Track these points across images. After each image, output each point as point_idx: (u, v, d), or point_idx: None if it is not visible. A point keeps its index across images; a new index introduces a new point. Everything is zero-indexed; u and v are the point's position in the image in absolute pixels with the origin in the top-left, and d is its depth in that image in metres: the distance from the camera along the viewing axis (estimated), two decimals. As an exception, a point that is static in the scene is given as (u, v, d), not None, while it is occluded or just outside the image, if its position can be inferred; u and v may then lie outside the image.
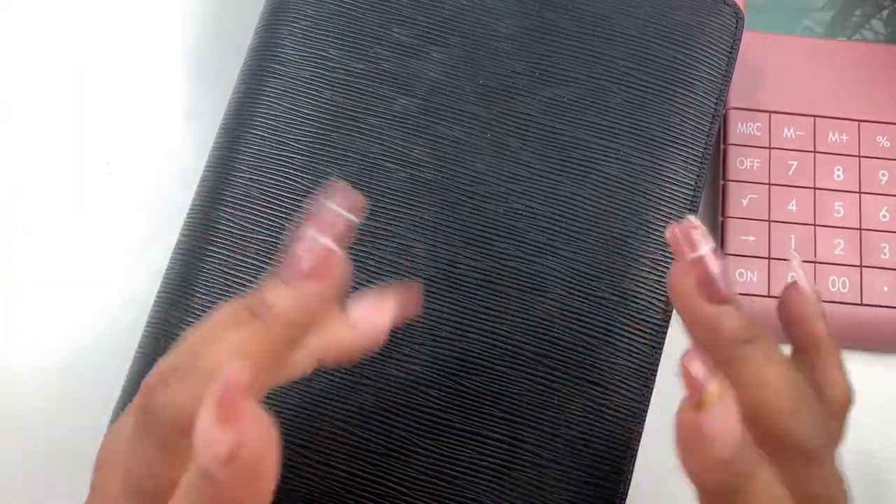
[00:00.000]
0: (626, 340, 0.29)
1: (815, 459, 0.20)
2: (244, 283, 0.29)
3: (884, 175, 0.36)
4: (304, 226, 0.19)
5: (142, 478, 0.18)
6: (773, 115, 0.37)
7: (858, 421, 0.27)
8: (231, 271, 0.30)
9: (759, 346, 0.20)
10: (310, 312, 0.19)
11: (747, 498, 0.19)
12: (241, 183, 0.30)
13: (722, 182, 0.36)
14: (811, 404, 0.21)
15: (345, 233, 0.19)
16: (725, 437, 0.18)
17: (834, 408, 0.23)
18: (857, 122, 0.37)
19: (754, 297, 0.34)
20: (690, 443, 0.19)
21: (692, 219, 0.20)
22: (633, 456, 0.29)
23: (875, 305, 0.34)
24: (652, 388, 0.29)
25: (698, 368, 0.19)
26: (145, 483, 0.18)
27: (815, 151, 0.36)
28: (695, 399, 0.19)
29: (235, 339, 0.18)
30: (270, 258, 0.29)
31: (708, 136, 0.31)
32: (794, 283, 0.25)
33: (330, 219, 0.19)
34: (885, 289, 0.35)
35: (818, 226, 0.35)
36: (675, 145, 0.30)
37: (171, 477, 0.18)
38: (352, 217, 0.19)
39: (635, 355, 0.29)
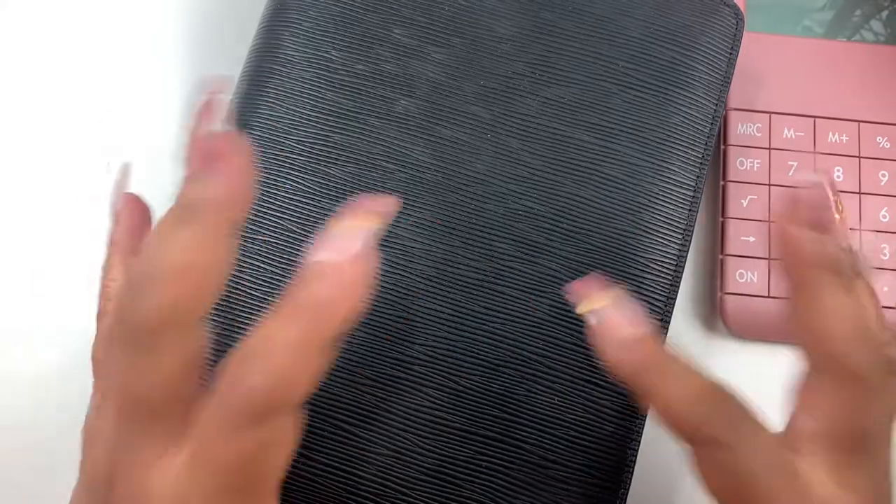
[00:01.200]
0: (625, 341, 0.29)
1: (870, 389, 0.20)
2: (244, 283, 0.29)
3: (884, 176, 0.36)
4: (190, 126, 0.19)
5: (137, 391, 0.18)
6: (773, 115, 0.37)
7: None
8: (230, 271, 0.30)
9: (842, 279, 0.20)
10: (236, 190, 0.19)
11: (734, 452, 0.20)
12: (242, 183, 0.30)
13: (722, 183, 0.36)
14: (879, 341, 0.20)
15: (226, 114, 0.20)
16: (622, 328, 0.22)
17: None
18: (856, 123, 0.37)
19: (754, 297, 0.34)
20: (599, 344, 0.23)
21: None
22: (634, 456, 0.29)
23: (875, 306, 0.34)
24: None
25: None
26: (143, 394, 0.18)
27: (815, 152, 0.36)
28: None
29: (181, 236, 0.18)
30: (270, 258, 0.29)
31: (708, 136, 0.31)
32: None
33: (209, 107, 0.19)
34: (885, 289, 0.35)
35: (818, 226, 0.35)
36: (675, 146, 0.30)
37: (163, 380, 0.18)
38: (224, 97, 0.20)
39: (635, 356, 0.29)
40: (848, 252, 0.21)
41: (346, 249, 0.19)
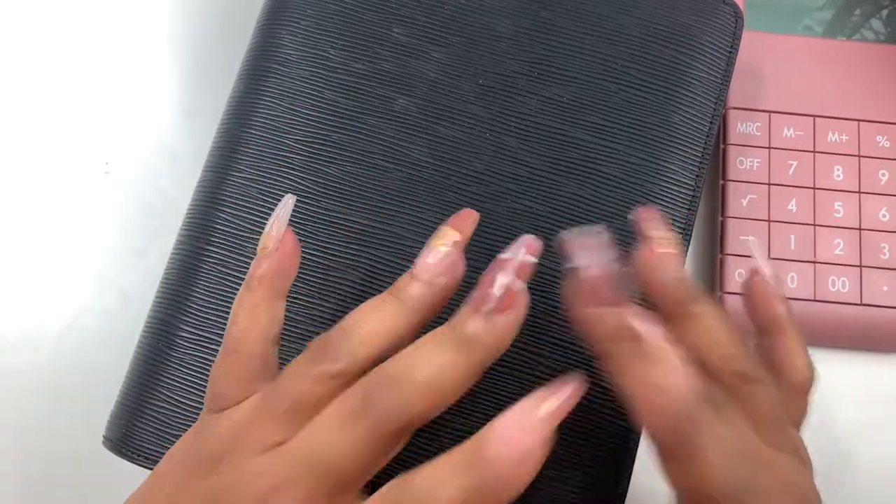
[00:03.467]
0: (625, 340, 0.29)
1: (756, 383, 0.22)
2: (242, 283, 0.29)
3: (883, 175, 0.36)
4: (499, 267, 0.22)
5: (339, 461, 0.21)
6: (772, 114, 0.37)
7: (859, 420, 0.27)
8: (229, 271, 0.29)
9: (638, 345, 0.21)
10: (503, 346, 0.22)
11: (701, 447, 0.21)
12: (240, 183, 0.30)
13: (722, 182, 0.36)
14: (746, 345, 0.23)
15: (530, 275, 0.23)
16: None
17: (795, 386, 0.24)
18: (856, 122, 0.37)
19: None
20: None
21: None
22: (633, 456, 0.29)
23: (875, 305, 0.34)
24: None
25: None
26: (341, 466, 0.21)
27: (814, 151, 0.36)
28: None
29: (456, 362, 0.21)
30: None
31: (707, 136, 0.31)
32: (756, 268, 0.26)
33: (525, 266, 0.23)
34: (885, 289, 0.35)
35: (818, 226, 0.35)
36: (675, 145, 0.30)
37: (367, 466, 0.21)
38: (535, 261, 0.23)
39: (635, 355, 0.29)
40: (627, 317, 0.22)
41: (537, 432, 0.21)
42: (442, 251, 0.23)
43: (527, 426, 0.21)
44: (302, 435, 0.22)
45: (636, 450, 0.29)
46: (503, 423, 0.21)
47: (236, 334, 0.24)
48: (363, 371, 0.22)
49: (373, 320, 0.22)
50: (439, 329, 0.22)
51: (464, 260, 0.24)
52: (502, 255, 0.23)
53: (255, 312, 0.24)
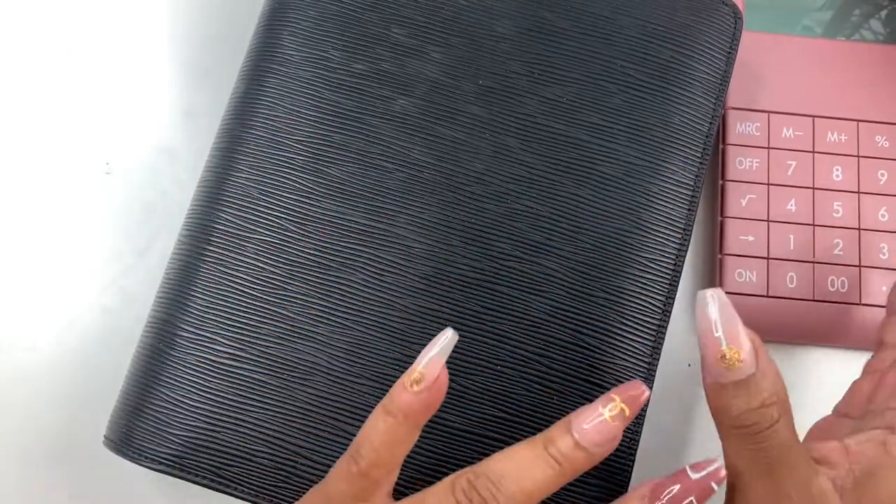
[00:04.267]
0: (624, 341, 0.29)
1: None
2: (243, 283, 0.29)
3: (882, 175, 0.36)
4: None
5: None
6: (772, 114, 0.37)
7: (857, 420, 0.27)
8: (230, 271, 0.30)
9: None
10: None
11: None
12: (241, 183, 0.30)
13: (721, 182, 0.36)
14: None
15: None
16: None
17: None
18: (855, 122, 0.37)
19: (753, 297, 0.34)
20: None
21: None
22: (633, 455, 0.29)
23: (874, 305, 0.34)
24: (651, 389, 0.29)
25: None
26: None
27: (813, 151, 0.36)
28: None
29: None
30: (269, 258, 0.29)
31: (707, 136, 0.31)
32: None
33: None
34: (884, 288, 0.35)
35: (817, 226, 0.35)
36: (674, 145, 0.30)
37: None
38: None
39: (634, 355, 0.29)
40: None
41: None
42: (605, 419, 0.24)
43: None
44: None
45: (636, 450, 0.29)
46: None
47: (370, 457, 0.24)
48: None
49: (524, 473, 0.24)
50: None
51: None
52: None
53: (394, 442, 0.24)
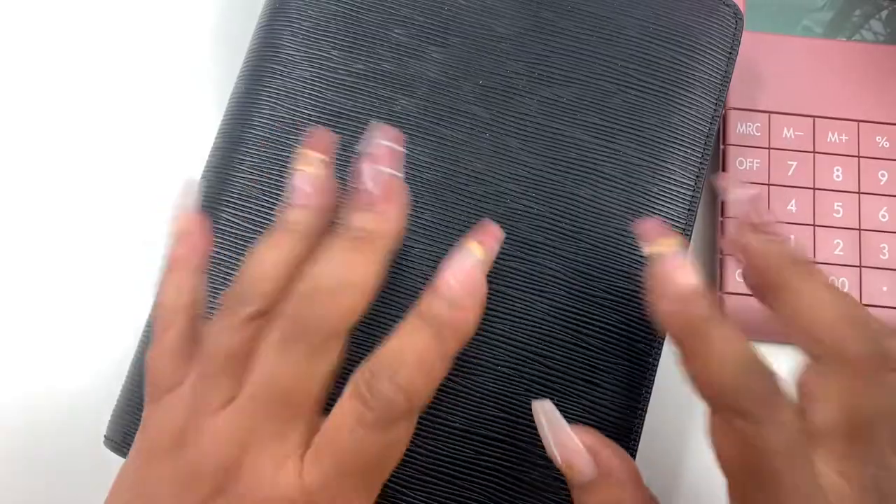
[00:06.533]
0: (624, 341, 0.29)
1: (870, 378, 0.21)
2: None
3: (883, 175, 0.36)
4: (364, 161, 0.23)
5: (289, 388, 0.22)
6: (772, 115, 0.37)
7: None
8: (231, 271, 0.30)
9: (808, 270, 0.22)
10: (401, 225, 0.24)
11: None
12: (241, 183, 0.30)
13: (721, 182, 0.36)
14: (871, 328, 0.21)
15: (398, 161, 0.24)
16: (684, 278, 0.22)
17: None
18: (856, 123, 0.37)
19: (753, 297, 0.34)
20: (656, 287, 0.23)
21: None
22: (633, 456, 0.29)
23: (874, 306, 0.34)
24: (651, 389, 0.29)
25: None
26: (294, 392, 0.22)
27: (814, 152, 0.36)
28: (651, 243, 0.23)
29: (357, 259, 0.22)
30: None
31: (707, 136, 0.31)
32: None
33: (385, 151, 0.23)
34: (885, 289, 0.35)
35: (817, 226, 0.35)
36: (675, 146, 0.30)
37: (318, 383, 0.22)
38: (399, 148, 0.24)
39: (634, 355, 0.29)
40: (798, 247, 0.23)
41: (469, 280, 0.23)
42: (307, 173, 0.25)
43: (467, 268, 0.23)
44: (251, 379, 0.22)
45: (636, 449, 0.29)
46: (446, 270, 0.23)
47: (164, 312, 0.25)
48: (276, 303, 0.23)
49: (269, 257, 0.23)
50: (330, 239, 0.23)
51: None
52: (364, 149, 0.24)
53: (178, 293, 0.25)
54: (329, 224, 0.24)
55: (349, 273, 0.22)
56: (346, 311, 0.22)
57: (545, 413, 0.24)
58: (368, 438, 0.21)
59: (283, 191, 0.30)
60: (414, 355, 0.22)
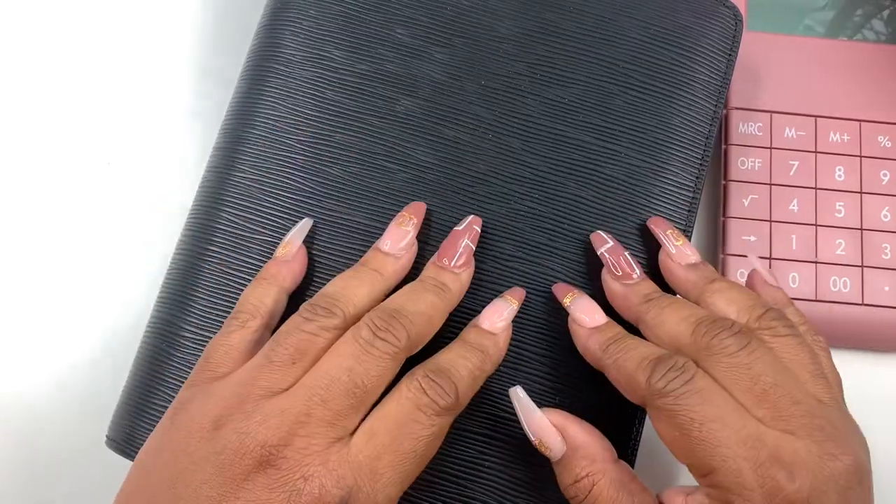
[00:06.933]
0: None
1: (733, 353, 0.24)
2: (245, 283, 0.29)
3: (885, 175, 0.36)
4: (460, 236, 0.28)
5: (366, 378, 0.24)
6: (774, 115, 0.37)
7: (859, 420, 0.27)
8: (231, 271, 0.30)
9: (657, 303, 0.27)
10: (465, 289, 0.28)
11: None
12: (242, 183, 0.30)
13: (723, 182, 0.36)
14: (695, 319, 0.25)
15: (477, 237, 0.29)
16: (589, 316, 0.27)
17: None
18: (858, 122, 0.37)
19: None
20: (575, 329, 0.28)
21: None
22: (634, 456, 0.29)
23: (876, 305, 0.35)
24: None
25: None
26: (367, 382, 0.24)
27: (816, 151, 0.36)
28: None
29: (434, 301, 0.27)
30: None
31: (707, 137, 0.31)
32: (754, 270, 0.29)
33: (476, 234, 0.28)
34: (887, 288, 0.35)
35: (819, 226, 0.35)
36: (675, 147, 0.30)
37: (383, 380, 0.24)
38: (478, 229, 0.29)
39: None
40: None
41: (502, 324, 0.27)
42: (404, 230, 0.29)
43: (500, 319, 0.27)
44: (319, 371, 0.24)
45: (636, 449, 0.29)
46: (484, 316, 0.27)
47: (246, 310, 0.27)
48: (351, 325, 0.26)
49: (361, 290, 0.27)
50: (419, 284, 0.27)
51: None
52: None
53: (264, 297, 0.27)
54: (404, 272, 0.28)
55: (430, 310, 0.26)
56: (422, 333, 0.26)
57: (518, 399, 0.26)
58: (422, 421, 0.24)
59: (283, 191, 0.30)
60: (466, 370, 0.25)
